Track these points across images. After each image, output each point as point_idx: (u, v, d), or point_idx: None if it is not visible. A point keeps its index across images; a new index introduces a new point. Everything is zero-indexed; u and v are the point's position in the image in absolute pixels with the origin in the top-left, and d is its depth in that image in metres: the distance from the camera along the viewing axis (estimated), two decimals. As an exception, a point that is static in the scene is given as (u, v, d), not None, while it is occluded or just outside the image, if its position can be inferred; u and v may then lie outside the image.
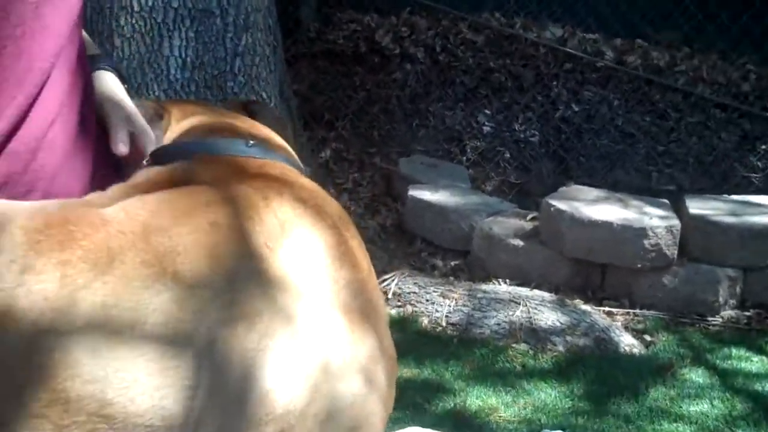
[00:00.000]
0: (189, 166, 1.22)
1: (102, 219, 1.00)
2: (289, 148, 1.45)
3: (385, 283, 3.82)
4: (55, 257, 0.93)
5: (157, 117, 1.43)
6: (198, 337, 0.96)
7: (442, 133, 5.15)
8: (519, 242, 3.89)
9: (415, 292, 3.77)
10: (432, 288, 3.78)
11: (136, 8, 3.74)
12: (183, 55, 3.82)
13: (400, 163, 4.78)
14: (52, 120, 1.17)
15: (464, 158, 5.07)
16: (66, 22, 1.19)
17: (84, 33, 1.31)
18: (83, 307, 0.91)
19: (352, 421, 1.09)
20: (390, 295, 3.78)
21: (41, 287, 0.91)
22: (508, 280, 3.86)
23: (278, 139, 1.44)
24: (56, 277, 0.92)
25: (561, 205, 3.80)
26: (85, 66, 1.30)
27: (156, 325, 0.94)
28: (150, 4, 3.75)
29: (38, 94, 1.14)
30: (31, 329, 0.89)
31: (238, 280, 1.03)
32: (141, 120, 1.35)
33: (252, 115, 1.52)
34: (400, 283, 3.84)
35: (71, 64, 1.22)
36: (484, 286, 3.78)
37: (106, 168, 1.30)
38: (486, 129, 5.17)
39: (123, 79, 1.43)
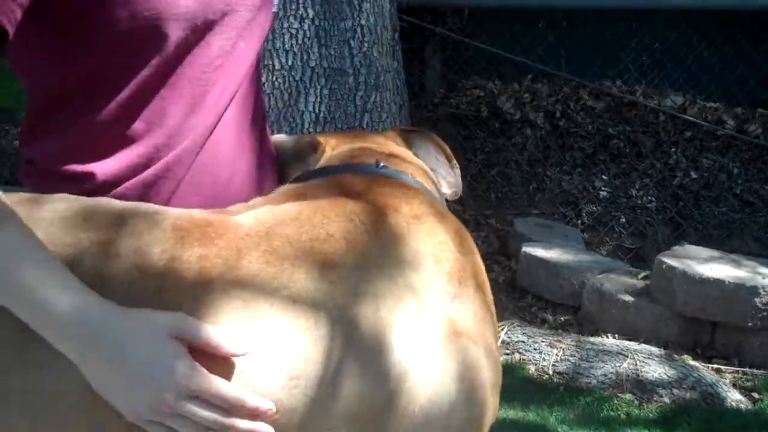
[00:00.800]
0: (314, 183, 1.37)
1: (235, 224, 1.18)
2: (424, 167, 1.55)
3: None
4: (196, 252, 1.11)
5: (311, 149, 1.57)
6: (328, 306, 1.11)
7: (559, 197, 5.27)
8: (629, 298, 3.94)
9: (523, 341, 3.87)
10: (540, 338, 3.87)
11: (276, 66, 4.05)
12: (317, 111, 4.11)
13: (516, 223, 4.91)
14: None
15: (579, 222, 5.16)
16: (254, 56, 1.43)
17: None
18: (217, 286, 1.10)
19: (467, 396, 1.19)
20: (498, 343, 3.89)
21: (186, 271, 1.10)
22: (617, 335, 3.91)
23: (412, 160, 1.54)
24: (197, 268, 1.11)
25: (673, 262, 3.85)
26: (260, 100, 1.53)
27: (282, 304, 1.11)
28: (290, 63, 4.06)
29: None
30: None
31: (369, 261, 1.17)
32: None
33: (408, 142, 1.64)
34: (509, 332, 3.94)
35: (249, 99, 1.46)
36: (592, 339, 3.85)
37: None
38: (603, 194, 5.26)
39: None
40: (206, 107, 1.36)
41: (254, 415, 1.05)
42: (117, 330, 1.05)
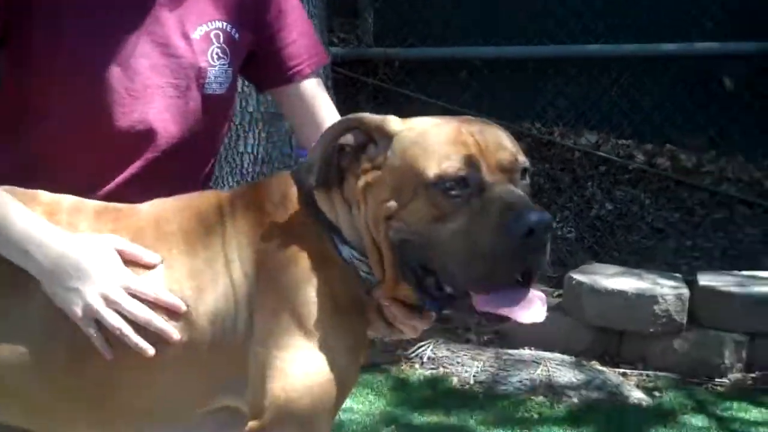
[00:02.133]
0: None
1: (136, 210, 1.68)
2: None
3: (421, 349, 4.23)
4: (110, 226, 1.64)
5: None
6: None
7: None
8: (544, 313, 4.26)
9: (447, 356, 4.16)
10: (463, 353, 4.17)
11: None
12: (255, 152, 4.41)
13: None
14: None
15: (506, 253, 5.49)
16: None
17: None
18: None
19: None
20: (425, 360, 4.18)
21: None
22: (532, 348, 4.22)
23: None
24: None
25: (581, 277, 4.20)
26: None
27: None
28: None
29: None
30: None
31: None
32: None
33: None
34: (434, 348, 4.24)
35: None
36: (510, 351, 4.16)
37: None
38: (527, 226, 5.61)
39: None
40: None
41: (171, 312, 1.54)
42: (73, 247, 1.56)
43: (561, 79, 5.91)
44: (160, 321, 1.54)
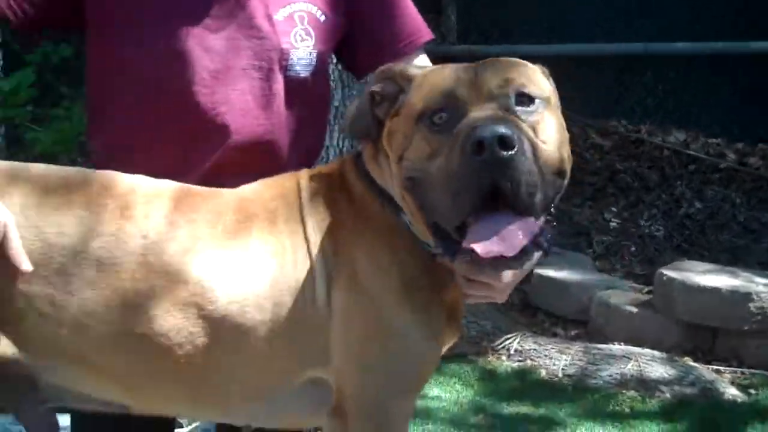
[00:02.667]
0: None
1: (218, 194, 1.68)
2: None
3: (508, 341, 4.21)
4: (190, 215, 1.62)
5: None
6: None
7: (570, 228, 5.56)
8: (634, 309, 4.21)
9: (535, 349, 4.13)
10: (551, 346, 4.14)
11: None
12: (341, 145, 4.46)
13: (530, 251, 5.18)
14: None
15: (591, 251, 5.44)
16: None
17: None
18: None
19: None
20: (512, 351, 4.16)
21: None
22: (622, 343, 4.16)
23: None
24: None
25: (673, 274, 4.13)
26: None
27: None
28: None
29: None
30: None
31: None
32: None
33: None
34: (521, 341, 4.21)
35: None
36: (599, 345, 4.11)
37: None
38: (612, 224, 5.55)
39: None
40: None
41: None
42: None
43: (649, 76, 5.83)
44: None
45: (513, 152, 1.37)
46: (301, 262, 1.58)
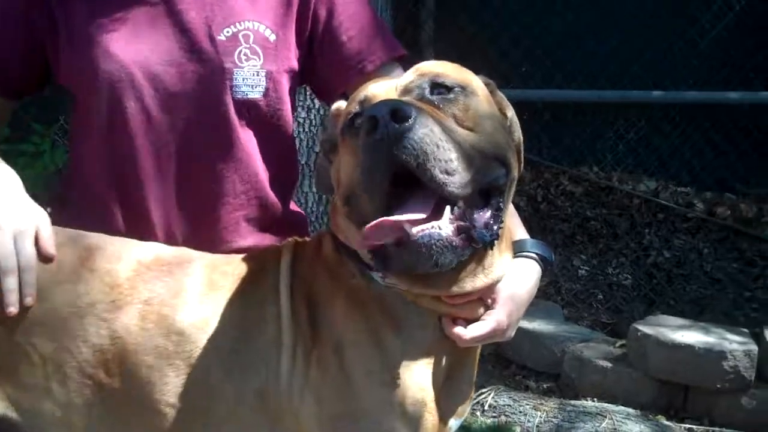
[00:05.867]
0: None
1: (189, 258, 1.68)
2: None
3: (482, 396, 4.19)
4: (157, 284, 1.63)
5: None
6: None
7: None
8: (608, 364, 4.22)
9: (509, 405, 4.12)
10: (525, 402, 4.13)
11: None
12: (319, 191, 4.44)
13: (501, 298, 5.18)
14: None
15: (559, 298, 5.45)
16: None
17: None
18: None
19: None
20: (486, 407, 4.14)
21: None
22: (595, 399, 4.17)
23: None
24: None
25: (647, 329, 4.15)
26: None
27: None
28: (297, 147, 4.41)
29: None
30: None
31: None
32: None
33: None
34: (495, 396, 4.20)
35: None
36: (573, 402, 4.11)
37: None
38: (581, 272, 5.57)
39: (546, 263, 1.74)
40: None
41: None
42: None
43: (621, 124, 5.89)
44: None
45: (409, 123, 1.30)
46: (270, 334, 1.55)
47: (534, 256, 1.71)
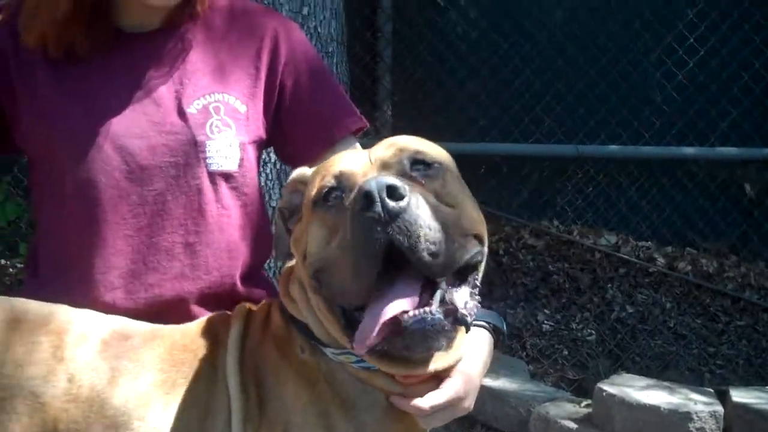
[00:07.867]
0: None
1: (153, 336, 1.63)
2: None
3: (446, 458, 4.11)
4: (112, 363, 1.58)
5: None
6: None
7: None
8: (573, 425, 4.16)
9: (473, 468, 4.04)
10: (489, 464, 4.05)
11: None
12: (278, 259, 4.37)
13: (464, 355, 5.12)
14: None
15: (524, 354, 5.40)
16: None
17: None
18: None
19: None
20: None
21: None
22: (562, 461, 4.10)
23: None
24: None
25: (612, 389, 4.10)
26: None
27: None
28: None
29: None
30: None
31: None
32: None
33: None
34: (460, 459, 4.11)
35: None
36: (538, 464, 4.04)
37: None
38: (545, 327, 5.54)
39: (498, 334, 1.74)
40: None
41: None
42: None
43: (581, 178, 5.89)
44: None
45: (404, 202, 1.29)
46: (219, 414, 1.50)
47: (485, 325, 1.70)
